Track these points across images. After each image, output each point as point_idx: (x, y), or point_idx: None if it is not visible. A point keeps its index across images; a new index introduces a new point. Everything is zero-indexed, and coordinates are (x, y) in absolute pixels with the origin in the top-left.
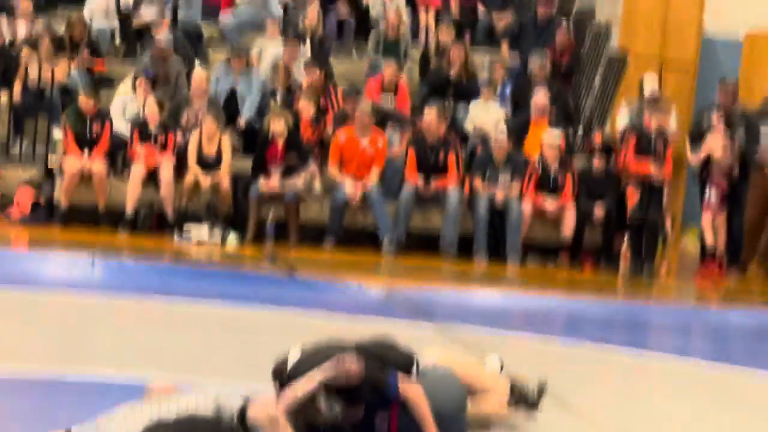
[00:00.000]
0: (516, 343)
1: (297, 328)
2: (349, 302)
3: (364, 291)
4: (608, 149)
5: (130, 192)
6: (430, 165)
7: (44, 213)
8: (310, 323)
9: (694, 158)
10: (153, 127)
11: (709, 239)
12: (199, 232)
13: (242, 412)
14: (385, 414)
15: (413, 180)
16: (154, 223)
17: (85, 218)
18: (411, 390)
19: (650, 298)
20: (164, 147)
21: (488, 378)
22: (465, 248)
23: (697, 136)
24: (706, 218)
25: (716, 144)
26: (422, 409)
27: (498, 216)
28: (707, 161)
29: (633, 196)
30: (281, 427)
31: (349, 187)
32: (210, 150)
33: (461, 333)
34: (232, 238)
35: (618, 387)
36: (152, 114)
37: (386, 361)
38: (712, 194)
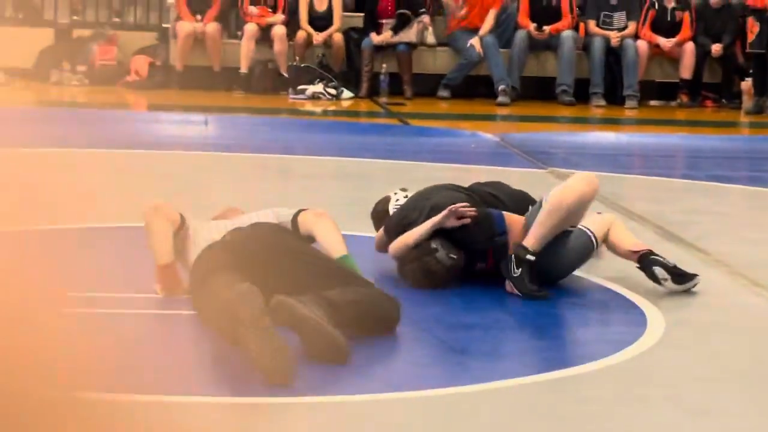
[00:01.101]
0: (635, 182)
1: (412, 176)
2: (464, 150)
3: (477, 138)
4: None
5: (244, 51)
6: (543, 9)
7: (161, 77)
8: (426, 172)
9: None
10: None
11: None
12: (314, 87)
13: (294, 216)
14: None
15: (526, 25)
16: (269, 81)
17: (200, 80)
18: (515, 222)
19: None
20: (275, 6)
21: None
22: (582, 92)
23: None
24: None
25: None
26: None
27: (614, 57)
28: None
29: (753, 29)
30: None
31: (476, 42)
32: (321, 6)
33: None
34: (347, 92)
35: (736, 217)
36: None
37: (491, 203)
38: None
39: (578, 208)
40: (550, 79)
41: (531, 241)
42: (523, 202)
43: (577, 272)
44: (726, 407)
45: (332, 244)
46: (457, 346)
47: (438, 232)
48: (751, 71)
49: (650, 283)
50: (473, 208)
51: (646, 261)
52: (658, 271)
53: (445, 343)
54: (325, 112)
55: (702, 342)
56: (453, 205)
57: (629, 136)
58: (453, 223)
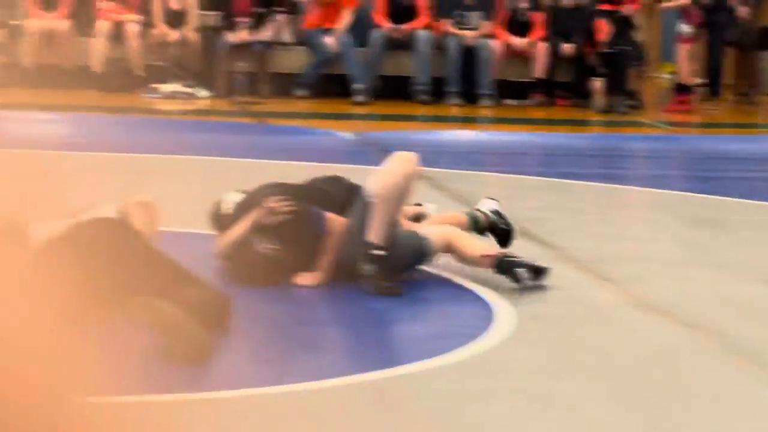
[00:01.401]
0: (489, 180)
1: (269, 174)
2: (321, 149)
3: (336, 137)
4: None
5: (97, 51)
6: (399, 7)
7: (11, 76)
8: (282, 170)
9: None
10: None
11: (684, 73)
12: (169, 86)
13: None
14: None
15: (382, 24)
16: (123, 80)
17: (52, 79)
18: (337, 224)
19: (623, 131)
20: (129, 4)
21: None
22: (438, 91)
23: None
24: (682, 51)
25: None
26: (332, 241)
27: (470, 56)
28: None
29: (604, 29)
30: None
31: (330, 40)
32: (176, 3)
33: (434, 173)
34: (203, 91)
35: (586, 213)
36: None
37: (318, 199)
38: (683, 26)
39: (405, 188)
40: (407, 78)
41: (373, 235)
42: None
43: (428, 268)
44: (572, 398)
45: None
46: (307, 342)
47: (263, 230)
48: (601, 71)
49: (499, 279)
50: (288, 204)
51: (503, 264)
52: (520, 272)
53: (295, 339)
54: (181, 112)
55: (550, 336)
56: (267, 203)
57: (484, 135)
58: (270, 219)
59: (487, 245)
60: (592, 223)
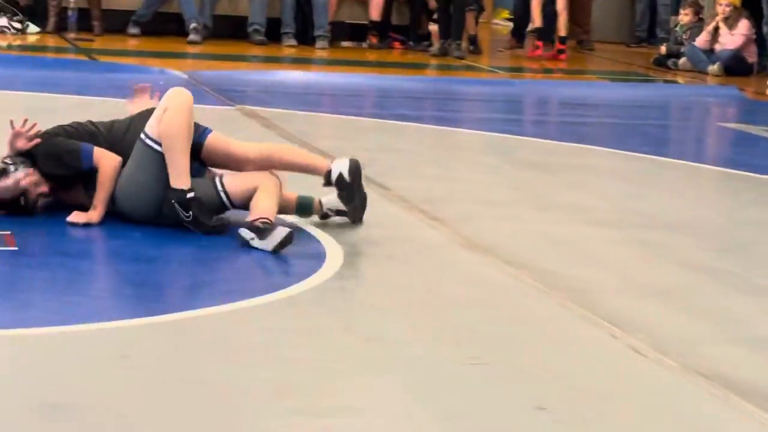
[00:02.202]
0: (323, 120)
1: (99, 111)
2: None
3: (166, 75)
4: None
5: None
6: None
7: None
8: (112, 107)
9: None
10: None
11: (537, 20)
12: None
13: None
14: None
15: None
16: None
17: None
18: (104, 159)
19: (459, 74)
20: None
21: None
22: (274, 33)
23: None
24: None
25: None
26: (103, 177)
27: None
28: None
29: None
30: None
31: None
32: None
33: (267, 113)
34: (33, 27)
35: (418, 155)
36: None
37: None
38: None
39: (188, 122)
40: (243, 18)
41: (176, 181)
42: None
43: None
44: (397, 334)
45: None
46: (134, 280)
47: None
48: (438, 14)
49: (332, 219)
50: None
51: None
52: (243, 232)
53: (122, 276)
54: (9, 47)
55: (377, 274)
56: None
57: (319, 76)
58: (22, 144)
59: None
60: (423, 165)
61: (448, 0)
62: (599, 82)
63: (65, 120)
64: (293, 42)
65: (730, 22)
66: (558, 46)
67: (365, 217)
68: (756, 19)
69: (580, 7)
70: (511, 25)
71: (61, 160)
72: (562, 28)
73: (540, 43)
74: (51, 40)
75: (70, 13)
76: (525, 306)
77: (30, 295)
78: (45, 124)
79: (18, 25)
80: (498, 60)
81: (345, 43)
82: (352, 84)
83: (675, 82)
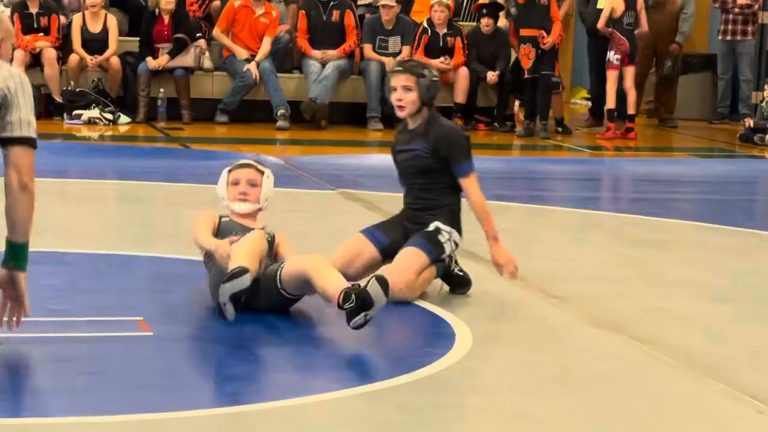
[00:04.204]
0: None
1: (197, 199)
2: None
3: (261, 159)
4: (496, 5)
5: None
6: (323, 32)
7: None
8: (210, 194)
9: (600, 21)
10: (33, 8)
11: (611, 101)
12: (90, 113)
13: None
14: None
15: (308, 50)
16: (42, 106)
17: None
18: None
19: (547, 154)
20: (47, 31)
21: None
22: (360, 116)
23: None
24: (610, 78)
25: (620, 4)
26: None
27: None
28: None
29: (530, 55)
30: None
31: (253, 67)
32: (95, 28)
33: (367, 196)
34: (123, 117)
35: (524, 234)
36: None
37: None
38: (612, 54)
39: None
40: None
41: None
42: None
43: None
44: (541, 412)
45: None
46: (274, 363)
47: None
48: (524, 96)
49: (456, 298)
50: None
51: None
52: (355, 321)
53: (258, 359)
54: (101, 137)
55: (509, 353)
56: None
57: None
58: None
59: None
60: (531, 244)
61: (535, 81)
62: (686, 158)
63: (157, 207)
64: (380, 125)
65: None
66: (627, 124)
67: (487, 295)
68: None
69: (664, 87)
70: (589, 103)
71: None
72: (631, 106)
73: (612, 124)
74: (141, 130)
75: (159, 102)
76: (661, 382)
77: (179, 380)
78: (136, 212)
79: (109, 116)
80: (579, 139)
81: None
82: None
83: (763, 157)
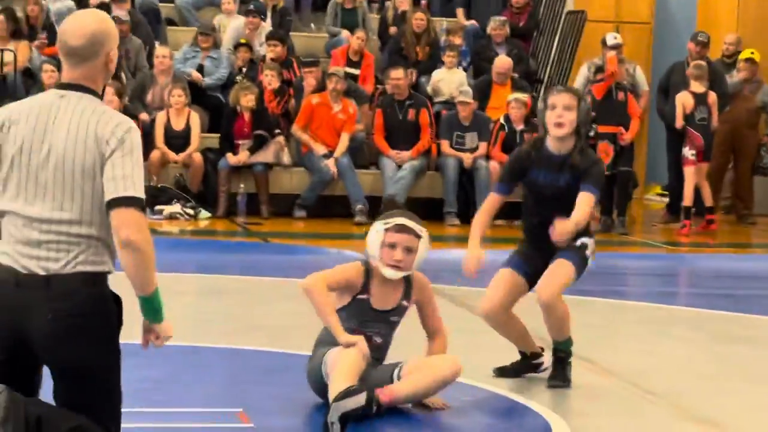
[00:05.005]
0: None
1: (279, 293)
2: (326, 264)
3: (344, 256)
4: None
5: None
6: (399, 125)
7: None
8: (290, 288)
9: (678, 119)
10: None
11: (688, 198)
12: (171, 208)
13: None
14: None
15: (385, 149)
16: None
17: None
18: None
19: (623, 250)
20: None
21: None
22: (437, 211)
23: (666, 92)
24: (687, 174)
25: (687, 98)
26: None
27: (467, 177)
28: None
29: (608, 152)
30: None
31: (331, 163)
32: (178, 125)
33: (452, 291)
34: (204, 212)
35: (612, 329)
36: (111, 103)
37: None
38: (687, 150)
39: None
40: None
41: None
42: None
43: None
44: None
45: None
46: None
47: None
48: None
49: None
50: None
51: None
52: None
53: None
54: (182, 232)
55: None
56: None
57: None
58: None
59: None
60: (614, 337)
61: (613, 178)
62: (763, 255)
63: (240, 300)
64: (456, 221)
65: None
66: (707, 217)
67: (578, 388)
68: None
69: (741, 182)
70: (665, 200)
71: None
72: (707, 199)
73: (687, 222)
74: (221, 225)
75: (239, 198)
76: None
77: None
78: (221, 305)
79: (190, 211)
80: (655, 235)
81: (498, 221)
82: None
83: None
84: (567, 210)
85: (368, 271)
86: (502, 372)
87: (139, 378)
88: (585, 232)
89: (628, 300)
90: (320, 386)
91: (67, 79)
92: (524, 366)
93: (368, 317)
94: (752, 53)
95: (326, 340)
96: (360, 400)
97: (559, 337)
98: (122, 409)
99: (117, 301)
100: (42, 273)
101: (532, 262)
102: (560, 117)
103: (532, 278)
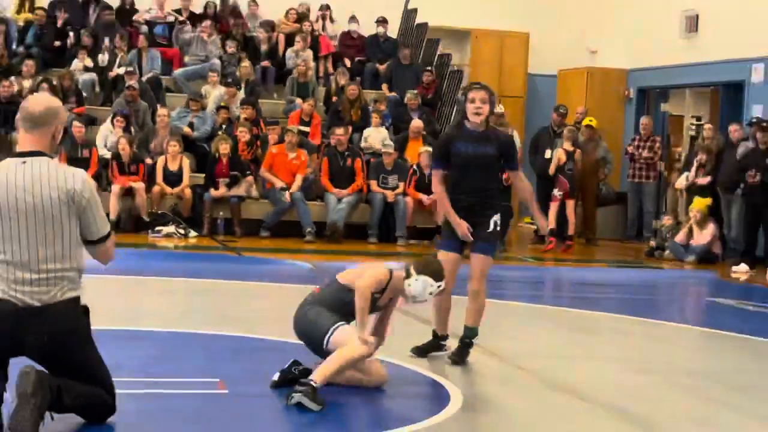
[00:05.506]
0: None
1: (248, 292)
2: (283, 274)
3: (297, 266)
4: None
5: (112, 204)
6: (340, 172)
7: None
8: (258, 290)
9: (552, 168)
10: (126, 158)
11: (552, 223)
12: (168, 229)
13: None
14: None
15: (329, 187)
16: (132, 224)
17: None
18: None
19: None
20: (136, 173)
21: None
22: (364, 233)
23: (534, 149)
24: (552, 208)
25: (560, 154)
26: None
27: (389, 208)
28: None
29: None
30: None
31: (287, 196)
32: (174, 167)
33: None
34: (192, 232)
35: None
36: (124, 150)
37: None
38: (556, 191)
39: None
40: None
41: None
42: None
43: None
44: None
45: None
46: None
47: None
48: None
49: (449, 369)
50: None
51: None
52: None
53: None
54: (176, 247)
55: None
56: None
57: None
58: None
59: None
60: (497, 328)
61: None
62: (605, 268)
63: (221, 298)
64: (375, 240)
65: (701, 224)
66: (567, 242)
67: (469, 366)
68: (719, 222)
69: (587, 214)
70: (533, 227)
71: None
72: (571, 228)
73: (553, 239)
74: (205, 241)
75: (218, 221)
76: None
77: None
78: (207, 301)
79: (182, 231)
80: (526, 252)
81: (413, 241)
82: None
83: (662, 268)
84: (490, 178)
85: (389, 280)
86: (418, 351)
87: (140, 356)
88: (495, 204)
89: (507, 300)
90: (310, 338)
91: (26, 146)
92: (433, 345)
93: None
94: (591, 121)
95: (334, 307)
96: (314, 408)
97: (472, 324)
98: (127, 379)
99: (86, 311)
100: (37, 304)
101: (458, 240)
102: (479, 108)
103: (461, 245)
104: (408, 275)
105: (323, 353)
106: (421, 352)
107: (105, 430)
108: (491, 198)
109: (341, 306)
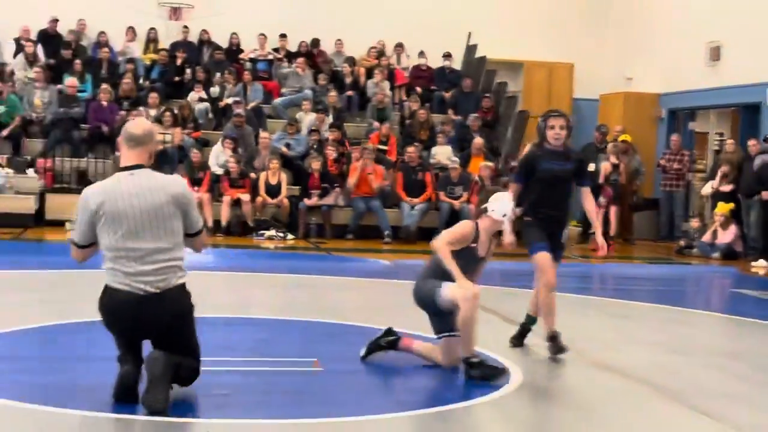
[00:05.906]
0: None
1: (335, 284)
2: (367, 269)
3: (377, 263)
4: None
5: (224, 212)
6: (413, 183)
7: None
8: (345, 284)
9: (601, 178)
10: (234, 174)
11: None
12: (269, 232)
13: None
14: None
15: (404, 197)
16: (240, 229)
17: None
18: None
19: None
20: (243, 186)
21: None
22: (430, 236)
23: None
24: (600, 214)
25: (606, 167)
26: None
27: (455, 216)
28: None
29: None
30: None
31: (363, 203)
32: (274, 181)
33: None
34: (290, 235)
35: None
36: (233, 167)
37: None
38: (601, 199)
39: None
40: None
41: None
42: None
43: None
44: None
45: None
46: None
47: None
48: None
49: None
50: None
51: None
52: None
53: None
54: (276, 248)
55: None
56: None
57: None
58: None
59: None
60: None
61: None
62: (641, 264)
63: (318, 290)
64: None
65: (724, 226)
66: (609, 242)
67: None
68: (741, 224)
69: (625, 217)
70: (579, 228)
71: None
72: (612, 230)
73: (612, 243)
74: (301, 243)
75: (311, 226)
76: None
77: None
78: (305, 293)
79: (281, 235)
80: (574, 251)
81: None
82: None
83: (690, 263)
84: (567, 193)
85: (475, 228)
86: (517, 341)
87: (248, 339)
88: (568, 216)
89: (558, 293)
90: (428, 302)
91: (131, 161)
92: (525, 331)
93: (473, 262)
94: (626, 136)
95: (434, 276)
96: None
97: (534, 314)
98: (239, 358)
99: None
100: (156, 291)
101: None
102: (558, 134)
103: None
104: (485, 209)
105: (442, 312)
106: (518, 340)
107: (226, 402)
108: (567, 210)
109: (440, 270)
